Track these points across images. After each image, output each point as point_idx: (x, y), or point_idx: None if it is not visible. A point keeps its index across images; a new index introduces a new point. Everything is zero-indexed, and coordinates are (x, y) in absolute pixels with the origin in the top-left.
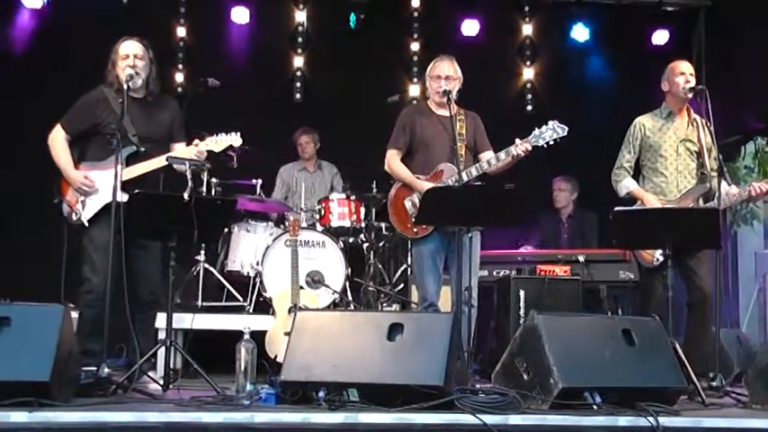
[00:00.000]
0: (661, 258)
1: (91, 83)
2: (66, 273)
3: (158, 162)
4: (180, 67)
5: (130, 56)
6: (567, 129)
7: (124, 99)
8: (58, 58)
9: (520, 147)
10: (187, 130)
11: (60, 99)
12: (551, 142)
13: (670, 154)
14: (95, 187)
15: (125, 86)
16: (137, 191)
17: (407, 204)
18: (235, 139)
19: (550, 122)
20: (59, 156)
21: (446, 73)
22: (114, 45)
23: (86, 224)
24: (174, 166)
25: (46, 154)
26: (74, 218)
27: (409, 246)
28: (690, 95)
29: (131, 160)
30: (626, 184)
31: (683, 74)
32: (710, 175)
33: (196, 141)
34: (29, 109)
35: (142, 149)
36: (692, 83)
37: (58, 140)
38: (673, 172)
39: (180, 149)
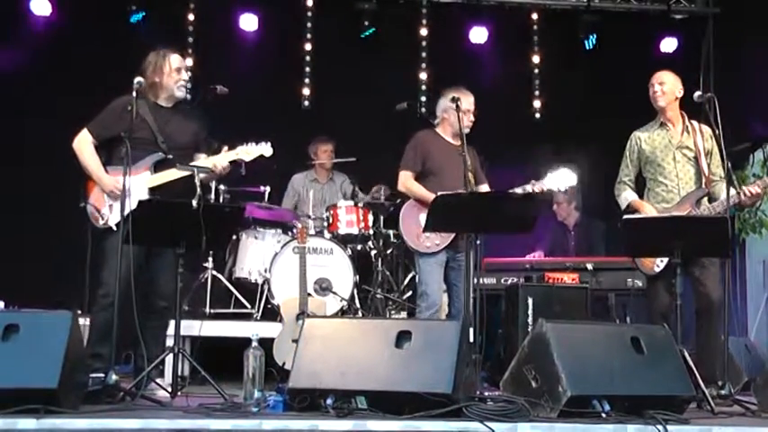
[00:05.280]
0: (662, 266)
1: (95, 88)
2: (78, 276)
3: (180, 172)
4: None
5: (182, 69)
6: (576, 178)
7: (148, 109)
8: (63, 63)
9: (535, 186)
10: (212, 141)
11: (63, 103)
12: (561, 188)
13: (668, 162)
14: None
15: (179, 94)
16: (146, 198)
17: (422, 221)
18: (266, 149)
19: (562, 169)
20: (89, 160)
21: (474, 107)
22: (159, 54)
23: (114, 228)
24: (183, 173)
25: (47, 155)
26: (100, 222)
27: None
28: (662, 104)
29: (159, 167)
30: (626, 197)
31: (652, 85)
32: (714, 180)
33: (225, 148)
34: (32, 114)
35: (170, 156)
36: (659, 92)
37: (85, 145)
38: (673, 179)
39: (203, 159)
